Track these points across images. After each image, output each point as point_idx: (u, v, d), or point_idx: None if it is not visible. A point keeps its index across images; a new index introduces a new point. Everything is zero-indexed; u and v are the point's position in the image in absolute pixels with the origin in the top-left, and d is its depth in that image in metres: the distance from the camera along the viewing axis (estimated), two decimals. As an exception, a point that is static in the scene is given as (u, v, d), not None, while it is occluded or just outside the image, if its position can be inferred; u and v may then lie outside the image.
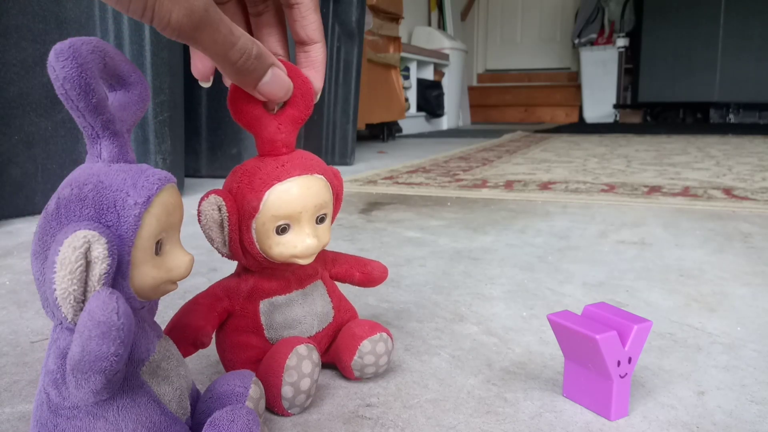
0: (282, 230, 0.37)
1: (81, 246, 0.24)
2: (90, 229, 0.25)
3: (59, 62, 0.25)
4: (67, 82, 0.25)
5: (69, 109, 0.27)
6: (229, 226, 0.37)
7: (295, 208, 0.37)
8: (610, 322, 0.37)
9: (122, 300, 0.24)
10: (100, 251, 0.25)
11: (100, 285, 0.25)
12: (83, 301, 0.25)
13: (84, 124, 0.27)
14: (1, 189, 0.97)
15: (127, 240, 0.26)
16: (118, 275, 0.26)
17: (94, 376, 0.24)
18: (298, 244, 0.37)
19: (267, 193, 0.36)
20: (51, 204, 0.27)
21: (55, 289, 0.24)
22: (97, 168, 0.27)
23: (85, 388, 0.25)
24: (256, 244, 0.37)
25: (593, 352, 0.36)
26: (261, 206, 0.36)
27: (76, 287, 0.24)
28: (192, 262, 0.29)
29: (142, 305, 0.28)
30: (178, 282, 0.29)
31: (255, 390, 0.34)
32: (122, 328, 0.23)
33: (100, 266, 0.25)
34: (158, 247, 0.28)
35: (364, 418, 0.38)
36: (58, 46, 0.25)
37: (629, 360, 0.37)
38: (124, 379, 0.27)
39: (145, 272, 0.27)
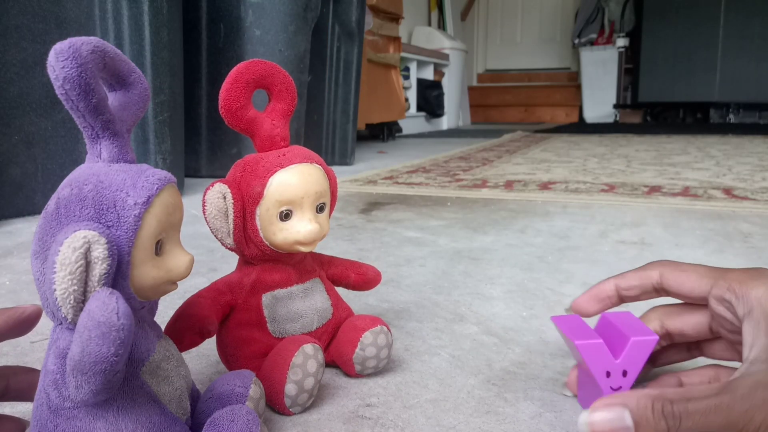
0: (285, 216, 0.38)
1: (81, 246, 0.24)
2: (90, 229, 0.25)
3: (59, 62, 0.25)
4: (67, 83, 0.25)
5: (69, 110, 0.26)
6: (233, 213, 0.38)
7: (298, 192, 0.38)
8: (610, 331, 0.37)
9: (122, 300, 0.24)
10: (100, 252, 0.25)
11: (100, 285, 0.25)
12: (83, 302, 0.25)
13: (84, 125, 0.27)
14: (1, 189, 0.97)
15: (127, 240, 0.26)
16: (118, 275, 0.26)
17: (94, 376, 0.24)
18: (300, 229, 0.38)
19: (271, 179, 0.38)
20: (51, 204, 0.27)
21: (55, 290, 0.24)
22: (97, 168, 0.27)
23: (85, 388, 0.25)
24: (260, 231, 0.38)
25: (580, 358, 0.36)
26: (265, 192, 0.38)
27: (76, 287, 0.24)
28: (192, 262, 0.29)
29: (142, 305, 0.28)
30: (178, 282, 0.29)
31: (255, 390, 0.34)
32: (122, 329, 0.23)
33: (100, 267, 0.25)
34: (158, 247, 0.28)
35: (364, 418, 0.38)
36: (58, 46, 0.25)
37: (624, 373, 0.35)
38: (124, 379, 0.27)
39: (145, 272, 0.27)
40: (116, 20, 1.05)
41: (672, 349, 0.40)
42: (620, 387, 0.36)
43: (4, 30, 0.94)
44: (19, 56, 0.96)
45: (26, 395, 0.33)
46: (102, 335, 0.23)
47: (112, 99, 0.30)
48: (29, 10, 0.97)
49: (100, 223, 0.26)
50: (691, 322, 0.38)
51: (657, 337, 0.36)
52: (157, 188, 0.27)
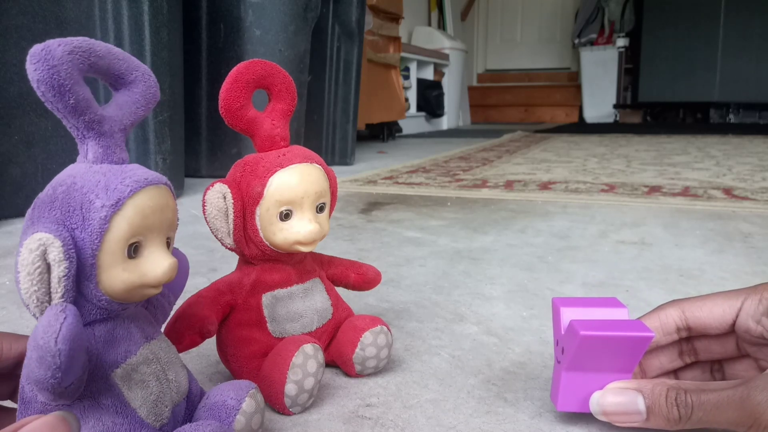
0: (285, 216, 0.38)
1: (36, 248, 0.25)
2: (48, 231, 0.25)
3: (32, 65, 0.25)
4: (42, 84, 0.26)
5: (52, 111, 0.27)
6: (233, 213, 0.38)
7: (298, 193, 0.38)
8: (586, 304, 0.35)
9: (71, 320, 0.24)
10: (55, 254, 0.25)
11: (62, 287, 0.25)
12: (48, 301, 0.25)
13: (69, 125, 0.27)
14: (1, 189, 0.97)
15: (90, 243, 0.26)
16: (83, 277, 0.26)
17: (41, 392, 0.24)
18: (300, 229, 0.38)
19: (271, 179, 0.38)
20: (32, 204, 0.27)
21: (20, 289, 0.25)
22: (77, 169, 0.27)
23: (41, 395, 0.25)
24: (260, 231, 0.38)
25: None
26: (265, 192, 0.38)
27: (36, 288, 0.25)
28: (172, 267, 0.28)
29: (123, 307, 0.28)
30: (160, 286, 0.28)
31: (249, 404, 0.32)
32: (58, 355, 0.23)
33: (57, 269, 0.25)
34: (133, 250, 0.27)
35: (364, 418, 0.38)
36: (33, 49, 0.26)
37: (563, 350, 0.34)
38: (93, 380, 0.27)
39: (114, 275, 0.27)
40: (116, 20, 1.05)
41: (696, 369, 0.38)
42: (559, 362, 0.35)
43: (4, 30, 0.94)
44: (19, 56, 0.96)
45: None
46: (39, 359, 0.23)
47: (116, 98, 0.30)
48: (29, 10, 0.97)
49: (64, 226, 0.26)
50: (717, 343, 0.36)
51: (594, 335, 0.32)
52: (130, 191, 0.26)
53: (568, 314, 0.35)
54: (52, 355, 0.23)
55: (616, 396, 0.33)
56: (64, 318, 0.24)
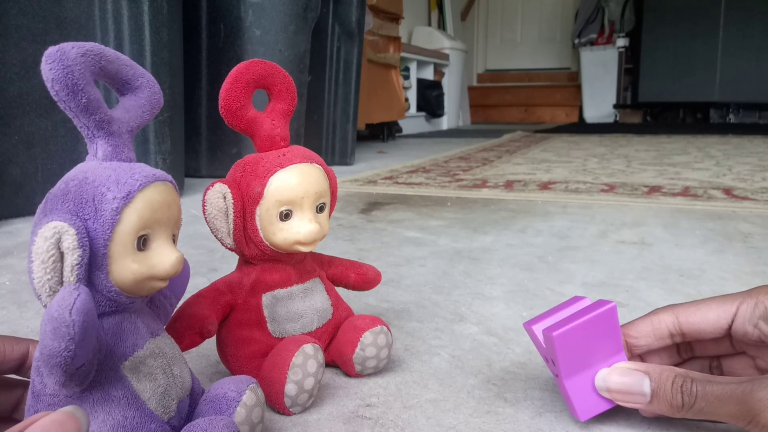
0: (285, 216, 0.38)
1: (51, 236, 0.25)
2: (62, 220, 0.25)
3: (47, 65, 0.26)
4: (56, 83, 0.26)
5: (64, 110, 0.28)
6: (233, 213, 0.38)
7: (298, 193, 0.38)
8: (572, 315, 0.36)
9: (85, 296, 0.24)
10: (69, 242, 0.25)
11: (74, 276, 0.26)
12: None
13: (80, 125, 0.28)
14: (1, 189, 0.97)
15: (102, 233, 0.26)
16: (94, 267, 0.27)
17: (53, 369, 0.24)
18: (300, 229, 0.38)
19: (270, 179, 0.38)
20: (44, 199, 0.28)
21: (33, 278, 0.25)
22: (89, 165, 0.28)
23: (50, 379, 0.25)
24: (260, 231, 0.38)
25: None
26: (265, 192, 0.38)
27: (50, 276, 0.25)
28: (179, 260, 0.29)
29: (131, 300, 0.29)
30: (167, 279, 0.29)
31: (250, 396, 0.32)
32: (72, 325, 0.24)
33: (71, 257, 0.25)
34: (142, 243, 0.28)
35: (364, 418, 0.38)
36: (48, 50, 0.27)
37: (552, 362, 0.36)
38: (102, 372, 0.27)
39: (124, 266, 0.27)
40: (116, 20, 1.05)
41: (695, 365, 0.38)
42: (557, 375, 0.36)
43: (4, 30, 0.94)
44: (19, 56, 0.96)
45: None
46: (53, 330, 0.24)
47: (122, 102, 0.31)
48: (29, 10, 0.97)
49: (77, 216, 0.26)
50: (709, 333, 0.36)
51: (564, 332, 0.34)
52: (140, 184, 0.27)
53: (539, 328, 0.37)
54: (67, 325, 0.24)
55: (622, 375, 0.34)
56: (78, 294, 0.24)
